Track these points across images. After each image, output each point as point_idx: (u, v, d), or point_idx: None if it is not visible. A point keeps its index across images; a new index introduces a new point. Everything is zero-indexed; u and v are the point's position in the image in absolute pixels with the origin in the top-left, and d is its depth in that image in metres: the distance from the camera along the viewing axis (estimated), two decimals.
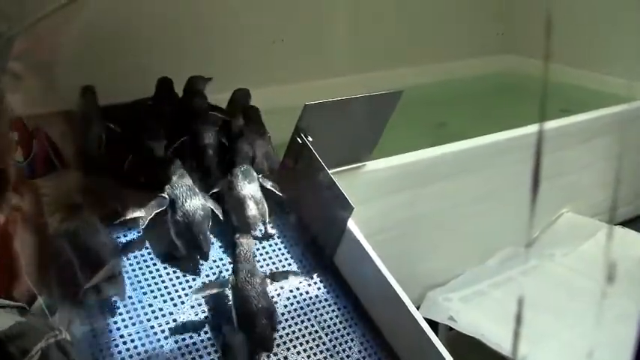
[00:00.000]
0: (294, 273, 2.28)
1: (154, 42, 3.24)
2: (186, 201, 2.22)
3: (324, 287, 2.33)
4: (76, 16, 3.10)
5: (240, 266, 2.09)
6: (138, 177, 2.46)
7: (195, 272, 2.22)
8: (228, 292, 2.10)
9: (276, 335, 2.11)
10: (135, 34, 3.20)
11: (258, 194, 2.38)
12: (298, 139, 2.40)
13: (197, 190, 2.29)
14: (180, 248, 2.22)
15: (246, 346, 1.98)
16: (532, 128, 3.36)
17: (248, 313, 2.02)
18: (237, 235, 2.19)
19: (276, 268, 2.32)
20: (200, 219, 2.21)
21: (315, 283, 2.33)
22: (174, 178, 2.30)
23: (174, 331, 2.04)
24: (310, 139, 2.38)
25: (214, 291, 2.11)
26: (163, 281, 2.16)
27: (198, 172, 2.46)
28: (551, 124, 3.44)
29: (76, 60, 2.96)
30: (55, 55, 2.91)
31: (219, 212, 2.33)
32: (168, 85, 2.81)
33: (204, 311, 2.12)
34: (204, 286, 2.13)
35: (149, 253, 2.22)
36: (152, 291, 2.13)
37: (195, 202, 2.23)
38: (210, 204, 2.32)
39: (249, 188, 2.36)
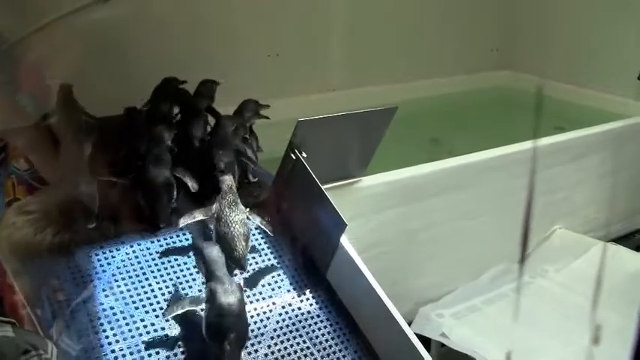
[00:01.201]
0: None
1: (147, 52, 3.27)
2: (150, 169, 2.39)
3: (317, 303, 2.33)
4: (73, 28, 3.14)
5: (224, 195, 2.28)
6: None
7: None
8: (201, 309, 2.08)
9: (268, 351, 2.11)
10: (128, 45, 3.22)
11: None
12: (292, 154, 2.40)
13: (164, 160, 2.42)
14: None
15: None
16: (526, 145, 3.38)
17: (229, 236, 2.19)
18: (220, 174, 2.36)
19: (268, 284, 2.32)
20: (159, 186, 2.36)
21: (308, 299, 2.33)
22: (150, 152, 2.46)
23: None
24: (304, 155, 2.38)
25: (187, 308, 2.07)
26: (155, 296, 2.15)
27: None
28: (544, 141, 3.46)
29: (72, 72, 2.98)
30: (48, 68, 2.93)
31: (190, 182, 2.42)
32: (165, 85, 2.86)
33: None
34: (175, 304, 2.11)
35: (141, 268, 2.22)
36: (144, 306, 2.12)
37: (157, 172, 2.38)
38: (180, 174, 2.42)
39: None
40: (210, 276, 2.02)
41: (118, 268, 2.19)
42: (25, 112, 2.77)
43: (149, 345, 2.02)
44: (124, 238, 2.29)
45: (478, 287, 3.30)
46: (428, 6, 4.67)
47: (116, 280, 2.16)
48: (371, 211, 2.83)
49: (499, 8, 5.07)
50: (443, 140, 4.13)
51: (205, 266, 2.05)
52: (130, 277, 2.19)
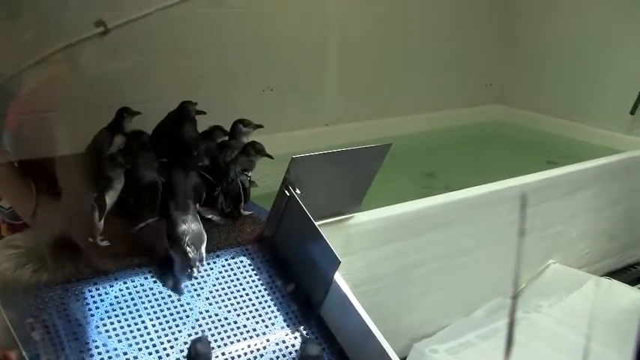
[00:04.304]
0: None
1: (139, 86, 3.31)
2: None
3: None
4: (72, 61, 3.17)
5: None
6: None
7: None
8: None
9: None
10: (123, 80, 3.25)
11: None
12: (286, 191, 2.41)
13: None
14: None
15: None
16: (519, 180, 3.40)
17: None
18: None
19: (262, 320, 2.32)
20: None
21: (302, 335, 2.33)
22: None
23: None
24: (298, 191, 2.39)
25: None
26: (149, 333, 2.15)
27: None
28: (537, 176, 3.49)
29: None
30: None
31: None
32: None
33: None
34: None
35: (135, 305, 2.22)
36: (137, 343, 2.12)
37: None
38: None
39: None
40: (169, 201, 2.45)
41: (112, 304, 2.19)
42: (5, 149, 2.79)
43: None
44: (118, 274, 2.29)
45: (472, 322, 3.29)
46: (422, 41, 4.72)
47: (109, 317, 2.16)
48: (365, 247, 2.84)
49: (493, 44, 5.13)
50: (438, 175, 4.15)
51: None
52: (124, 314, 2.19)
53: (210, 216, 2.61)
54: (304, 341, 2.24)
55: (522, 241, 0.97)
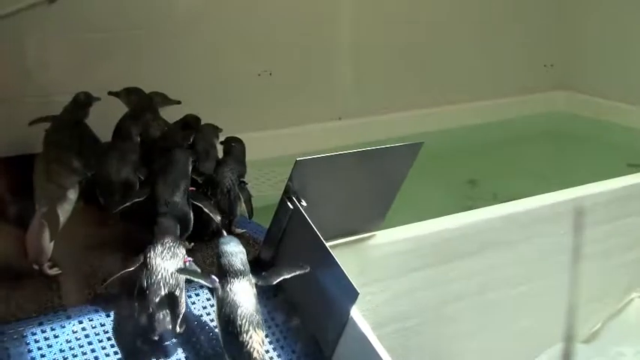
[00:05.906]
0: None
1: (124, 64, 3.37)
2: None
3: None
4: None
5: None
6: None
7: None
8: None
9: None
10: (105, 60, 3.28)
11: None
12: (289, 203, 2.39)
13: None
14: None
15: None
16: (588, 189, 3.35)
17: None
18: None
19: None
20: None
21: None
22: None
23: None
24: (304, 203, 2.37)
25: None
26: None
27: None
28: (615, 184, 3.43)
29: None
30: None
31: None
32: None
33: None
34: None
35: (93, 351, 2.19)
36: None
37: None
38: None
39: None
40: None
41: (62, 351, 2.14)
42: None
43: None
44: (71, 311, 2.26)
45: None
46: (463, 11, 4.71)
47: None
48: (390, 275, 2.82)
49: (554, 15, 5.11)
50: (482, 182, 4.14)
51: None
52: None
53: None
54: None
55: (580, 267, 0.93)
